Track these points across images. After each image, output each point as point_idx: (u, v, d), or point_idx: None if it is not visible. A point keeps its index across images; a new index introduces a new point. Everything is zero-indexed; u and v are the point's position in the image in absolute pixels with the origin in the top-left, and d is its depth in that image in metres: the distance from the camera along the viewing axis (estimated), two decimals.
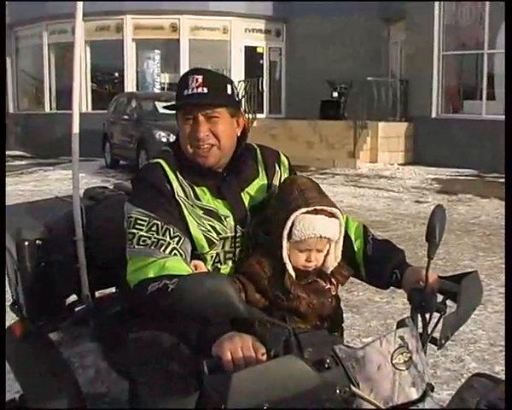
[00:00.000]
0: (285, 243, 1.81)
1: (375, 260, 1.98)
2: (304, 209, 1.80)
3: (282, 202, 1.87)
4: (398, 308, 4.84)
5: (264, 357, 1.42)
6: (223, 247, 1.93)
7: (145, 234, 1.82)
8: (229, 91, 1.95)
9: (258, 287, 1.84)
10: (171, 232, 1.83)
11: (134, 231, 1.84)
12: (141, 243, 1.82)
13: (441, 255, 6.27)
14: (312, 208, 1.80)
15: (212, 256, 1.92)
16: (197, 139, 1.90)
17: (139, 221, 1.84)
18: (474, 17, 14.43)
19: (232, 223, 1.93)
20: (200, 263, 1.88)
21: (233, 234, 1.93)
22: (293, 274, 1.83)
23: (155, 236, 1.82)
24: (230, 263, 1.95)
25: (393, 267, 1.93)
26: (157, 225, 1.83)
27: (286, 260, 1.82)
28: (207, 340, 1.53)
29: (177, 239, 1.83)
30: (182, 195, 1.91)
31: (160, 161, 1.95)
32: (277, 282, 1.83)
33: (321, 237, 1.81)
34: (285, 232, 1.80)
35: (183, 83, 1.93)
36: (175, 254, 1.81)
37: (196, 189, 1.93)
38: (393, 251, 1.99)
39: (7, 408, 2.44)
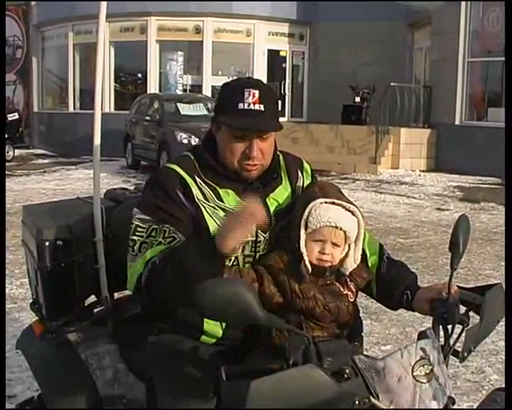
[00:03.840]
0: (302, 233, 1.81)
1: (387, 279, 1.96)
2: (322, 200, 1.80)
3: (302, 199, 1.88)
4: (418, 317, 4.77)
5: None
6: (242, 250, 1.91)
7: (145, 240, 1.83)
8: (280, 108, 1.96)
9: (276, 279, 1.83)
10: (167, 233, 1.82)
11: (134, 237, 1.85)
12: (142, 250, 1.83)
13: (463, 264, 6.19)
14: (330, 200, 1.80)
15: (231, 260, 1.90)
16: (248, 157, 1.88)
17: (139, 228, 1.85)
18: (500, 23, 14.25)
19: (253, 227, 1.91)
20: None
21: (254, 238, 1.91)
22: (308, 266, 1.81)
23: (152, 240, 1.82)
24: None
25: (405, 288, 1.91)
26: (156, 229, 1.83)
27: (302, 249, 1.81)
28: None
29: (169, 239, 1.81)
30: (202, 198, 1.89)
31: (173, 166, 1.93)
32: (295, 277, 1.81)
33: (336, 227, 1.79)
34: (302, 221, 1.80)
35: (236, 94, 1.87)
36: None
37: (220, 190, 1.91)
38: (407, 273, 1.97)
39: (26, 407, 2.46)
